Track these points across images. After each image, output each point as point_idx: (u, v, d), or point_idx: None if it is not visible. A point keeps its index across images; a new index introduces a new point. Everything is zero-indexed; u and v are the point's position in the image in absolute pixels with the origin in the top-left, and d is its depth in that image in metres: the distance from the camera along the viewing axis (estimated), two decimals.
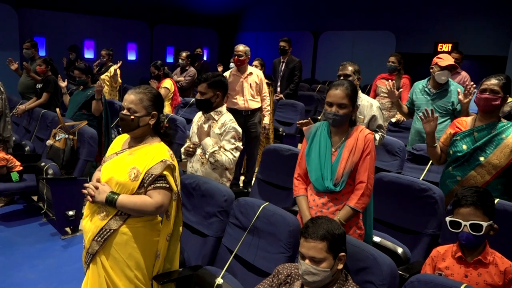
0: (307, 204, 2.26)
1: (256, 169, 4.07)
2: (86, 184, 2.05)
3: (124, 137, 2.22)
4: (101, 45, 8.12)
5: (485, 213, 1.82)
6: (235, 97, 4.47)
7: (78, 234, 3.82)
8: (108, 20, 10.37)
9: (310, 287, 1.70)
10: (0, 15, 8.26)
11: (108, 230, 2.01)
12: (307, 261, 1.67)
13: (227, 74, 4.48)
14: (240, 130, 2.90)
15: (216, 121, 2.88)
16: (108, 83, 6.43)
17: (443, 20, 9.05)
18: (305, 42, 11.26)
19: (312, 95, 7.56)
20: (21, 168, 4.03)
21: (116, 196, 1.98)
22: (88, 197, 2.02)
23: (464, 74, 5.20)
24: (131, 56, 11.09)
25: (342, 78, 2.99)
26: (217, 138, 2.85)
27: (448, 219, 1.88)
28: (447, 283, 1.66)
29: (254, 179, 3.84)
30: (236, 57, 4.40)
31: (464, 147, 2.59)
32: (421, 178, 3.19)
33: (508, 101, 3.43)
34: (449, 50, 8.71)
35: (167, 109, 5.44)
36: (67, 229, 3.86)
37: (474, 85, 3.15)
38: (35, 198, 4.31)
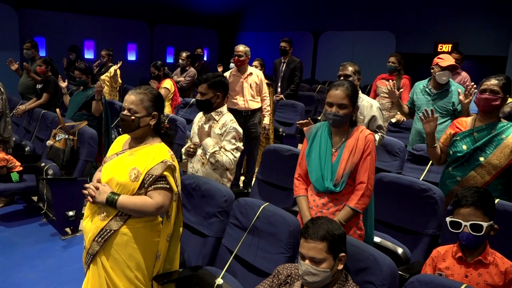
0: (308, 204, 2.26)
1: (256, 170, 4.07)
2: (87, 185, 2.05)
3: (125, 138, 2.22)
4: (101, 46, 8.12)
5: (485, 213, 1.82)
6: (235, 97, 4.47)
7: (78, 234, 3.82)
8: (108, 20, 10.37)
9: None
10: (0, 15, 8.26)
11: (108, 230, 2.01)
12: (307, 261, 1.67)
13: (227, 74, 4.48)
14: (241, 130, 2.89)
15: (217, 121, 2.88)
16: (108, 84, 6.44)
17: (443, 20, 9.06)
18: (305, 42, 11.26)
19: (312, 96, 7.56)
20: (21, 168, 4.03)
21: (116, 197, 1.98)
22: (89, 197, 2.02)
23: (464, 74, 5.20)
24: (131, 57, 11.09)
25: (342, 78, 2.99)
26: (217, 139, 2.85)
27: (448, 219, 1.88)
28: (447, 283, 1.66)
29: (254, 179, 3.84)
30: (236, 57, 4.41)
31: (464, 147, 2.59)
32: (421, 179, 3.19)
33: (508, 101, 3.44)
34: (449, 50, 8.72)
35: (167, 110, 5.44)
36: (67, 229, 3.87)
37: (475, 86, 3.15)
38: (35, 198, 4.31)
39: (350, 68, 3.07)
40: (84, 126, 4.16)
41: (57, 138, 4.07)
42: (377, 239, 2.41)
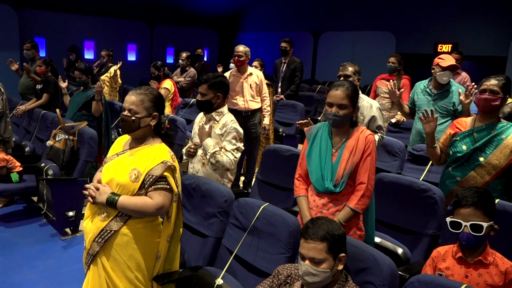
0: (308, 204, 2.26)
1: (256, 170, 4.07)
2: (87, 185, 2.05)
3: (125, 138, 2.22)
4: (101, 46, 8.13)
5: (485, 213, 1.82)
6: (235, 97, 4.47)
7: (78, 234, 3.82)
8: (108, 21, 10.37)
9: None
10: (0, 15, 8.27)
11: (108, 231, 2.01)
12: (307, 262, 1.67)
13: (227, 74, 4.48)
14: (241, 130, 2.89)
15: (217, 121, 2.89)
16: (108, 84, 6.44)
17: (443, 21, 9.06)
18: (305, 42, 11.26)
19: (312, 96, 7.57)
20: (21, 168, 4.03)
21: (116, 197, 1.98)
22: (89, 198, 2.02)
23: (464, 74, 5.20)
24: (131, 57, 11.09)
25: (342, 78, 2.99)
26: (218, 139, 2.85)
27: (448, 219, 1.88)
28: (447, 283, 1.66)
29: (254, 179, 3.84)
30: (236, 57, 4.41)
31: (464, 147, 2.60)
32: (421, 179, 3.19)
33: (508, 101, 3.43)
34: (449, 50, 8.72)
35: (167, 110, 5.44)
36: (67, 229, 3.86)
37: (475, 86, 3.16)
38: (35, 198, 4.31)
39: (350, 69, 3.07)
40: (84, 127, 4.16)
41: (57, 139, 4.07)
42: (377, 239, 2.41)
